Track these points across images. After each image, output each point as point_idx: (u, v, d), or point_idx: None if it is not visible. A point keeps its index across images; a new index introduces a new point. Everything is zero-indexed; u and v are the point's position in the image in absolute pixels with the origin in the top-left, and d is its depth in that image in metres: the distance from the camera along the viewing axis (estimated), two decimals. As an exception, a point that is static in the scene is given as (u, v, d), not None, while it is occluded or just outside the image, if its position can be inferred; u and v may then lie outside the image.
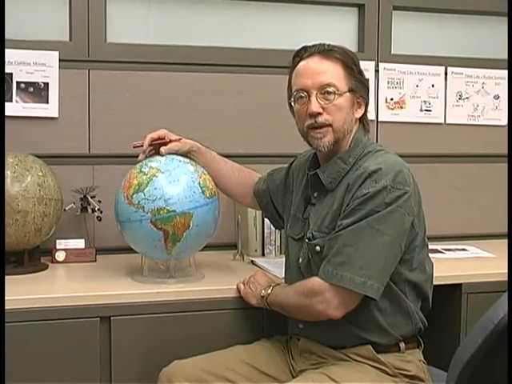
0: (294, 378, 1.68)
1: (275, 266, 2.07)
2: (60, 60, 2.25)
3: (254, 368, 1.69)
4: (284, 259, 1.85)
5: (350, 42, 2.55)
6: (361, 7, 2.59)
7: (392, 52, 2.62)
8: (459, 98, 2.68)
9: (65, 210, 2.16)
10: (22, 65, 2.22)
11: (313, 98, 1.64)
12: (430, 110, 2.65)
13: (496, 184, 2.68)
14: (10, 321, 1.61)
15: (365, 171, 1.58)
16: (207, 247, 1.96)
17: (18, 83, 2.23)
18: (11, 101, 2.22)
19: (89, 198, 2.23)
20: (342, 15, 2.60)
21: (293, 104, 1.70)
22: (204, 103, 2.40)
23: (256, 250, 2.34)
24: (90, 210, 2.24)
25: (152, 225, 1.77)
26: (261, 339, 1.81)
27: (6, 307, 1.59)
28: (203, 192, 1.83)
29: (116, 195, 1.86)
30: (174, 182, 1.80)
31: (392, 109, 2.61)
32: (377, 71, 2.58)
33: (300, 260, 1.71)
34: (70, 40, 2.30)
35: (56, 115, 2.26)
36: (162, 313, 1.78)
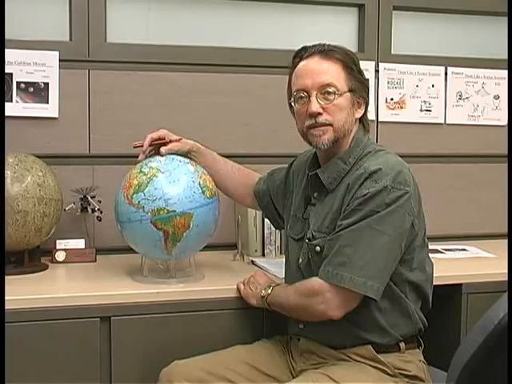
0: (294, 378, 1.68)
1: (275, 266, 2.06)
2: (60, 60, 2.25)
3: (254, 368, 1.69)
4: (284, 259, 1.85)
5: (350, 42, 2.55)
6: (361, 7, 2.59)
7: (392, 52, 2.62)
8: (459, 98, 2.68)
9: (65, 210, 2.16)
10: (22, 65, 2.22)
11: (313, 99, 1.64)
12: (430, 110, 2.65)
13: (496, 184, 2.68)
14: (10, 321, 1.61)
15: (365, 171, 1.58)
16: (207, 247, 1.95)
17: (18, 83, 2.23)
18: (11, 101, 2.22)
19: (89, 198, 2.23)
20: (342, 15, 2.60)
21: (293, 104, 1.70)
22: (204, 103, 2.40)
23: (256, 250, 2.34)
24: (90, 210, 2.24)
25: (152, 225, 1.77)
26: (261, 339, 1.81)
27: (6, 307, 1.59)
28: (203, 192, 1.83)
29: (116, 195, 1.86)
30: (174, 182, 1.80)
31: (392, 109, 2.61)
32: (377, 71, 2.58)
33: (300, 260, 1.71)
34: (70, 40, 2.30)
35: (56, 115, 2.26)
36: (162, 313, 1.78)
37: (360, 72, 1.69)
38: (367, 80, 1.72)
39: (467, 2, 2.70)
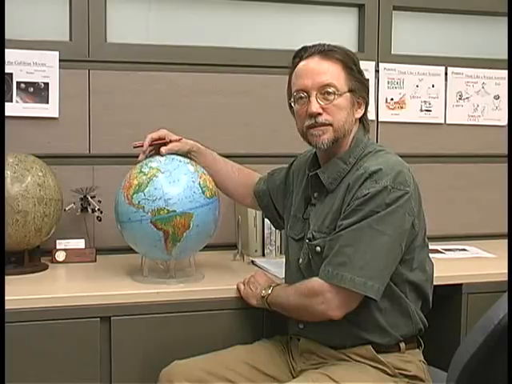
0: (294, 378, 1.69)
1: (275, 266, 2.06)
2: (60, 60, 2.25)
3: (254, 368, 1.69)
4: (284, 259, 1.85)
5: (350, 42, 2.55)
6: (361, 7, 2.59)
7: (392, 52, 2.62)
8: (459, 98, 2.68)
9: (65, 210, 2.16)
10: (22, 65, 2.22)
11: (313, 99, 1.64)
12: (430, 110, 2.65)
13: (496, 184, 2.68)
14: (10, 321, 1.61)
15: (365, 171, 1.58)
16: (207, 247, 1.95)
17: (18, 83, 2.22)
18: (11, 101, 2.22)
19: (89, 198, 2.23)
20: (342, 15, 2.60)
21: (293, 104, 1.70)
22: (204, 103, 2.40)
23: (256, 251, 2.33)
24: (90, 210, 2.24)
25: (152, 225, 1.77)
26: (261, 339, 1.81)
27: (6, 307, 1.59)
28: (203, 192, 1.83)
29: (116, 195, 1.86)
30: (174, 182, 1.80)
31: (392, 109, 2.61)
32: (377, 71, 2.58)
33: (300, 260, 1.71)
34: (71, 40, 2.30)
35: (56, 115, 2.26)
36: (162, 313, 1.78)
37: (360, 72, 1.69)
38: (367, 80, 1.72)
39: (467, 2, 2.69)
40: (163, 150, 1.89)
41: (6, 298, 1.61)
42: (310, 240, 1.68)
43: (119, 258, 2.17)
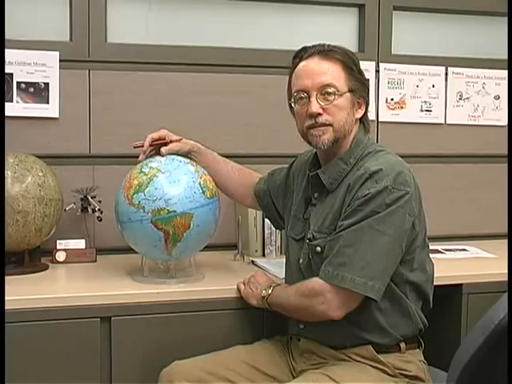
0: (294, 378, 1.69)
1: (275, 266, 2.06)
2: (60, 60, 2.25)
3: (254, 368, 1.69)
4: (284, 259, 1.85)
5: (350, 43, 2.55)
6: (361, 7, 2.59)
7: (392, 52, 2.62)
8: (459, 99, 2.68)
9: (65, 210, 2.16)
10: (22, 65, 2.22)
11: (313, 99, 1.64)
12: (430, 111, 2.65)
13: (496, 184, 2.68)
14: (10, 321, 1.61)
15: (365, 172, 1.58)
16: (208, 247, 1.95)
17: (19, 83, 2.23)
18: (12, 101, 2.22)
19: (89, 198, 2.23)
20: (343, 15, 2.60)
21: (293, 105, 1.70)
22: (204, 103, 2.40)
23: (256, 251, 2.34)
24: (90, 211, 2.24)
25: (152, 225, 1.77)
26: (261, 339, 1.81)
27: (7, 307, 1.59)
28: (203, 192, 1.83)
29: (116, 195, 1.86)
30: (174, 182, 1.80)
31: (392, 109, 2.61)
32: (377, 71, 2.58)
33: (301, 260, 1.71)
34: (71, 40, 2.30)
35: (56, 115, 2.26)
36: (162, 313, 1.78)
37: (360, 72, 1.69)
38: (367, 80, 1.72)
39: (467, 2, 2.70)
40: (163, 150, 1.89)
41: (7, 298, 1.61)
42: (310, 240, 1.68)
43: (119, 258, 2.17)
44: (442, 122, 2.67)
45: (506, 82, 2.70)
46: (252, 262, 2.22)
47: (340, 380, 1.57)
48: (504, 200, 2.56)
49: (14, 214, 1.93)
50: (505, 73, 2.69)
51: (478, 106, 2.69)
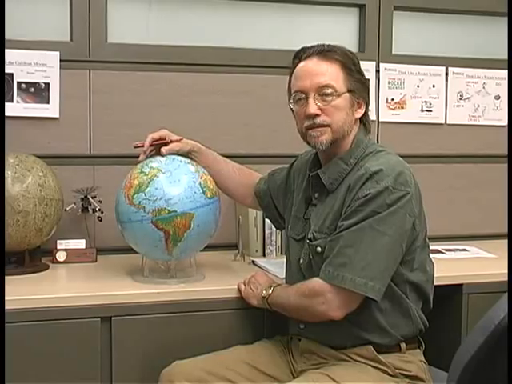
0: (294, 378, 1.69)
1: (276, 266, 2.07)
2: (61, 60, 2.25)
3: (254, 368, 1.69)
4: (285, 259, 1.85)
5: (350, 43, 2.55)
6: (361, 7, 2.59)
7: (393, 52, 2.61)
8: (460, 99, 2.68)
9: (65, 210, 2.16)
10: (22, 65, 2.22)
11: (311, 100, 1.64)
12: (430, 111, 2.65)
13: (496, 184, 2.68)
14: (10, 321, 1.61)
15: (366, 172, 1.58)
16: (208, 247, 1.95)
17: (19, 83, 2.23)
18: (12, 101, 2.22)
19: (89, 198, 2.23)
20: (343, 15, 2.60)
21: (292, 106, 1.70)
22: (204, 103, 2.40)
23: (257, 251, 2.34)
24: (90, 211, 2.24)
25: (153, 225, 1.77)
26: (262, 339, 1.81)
27: (7, 307, 1.59)
28: (204, 192, 1.83)
29: (117, 195, 1.86)
30: (174, 182, 1.80)
31: (393, 109, 2.61)
32: (377, 71, 2.58)
33: (301, 260, 1.71)
34: (71, 40, 2.30)
35: (57, 115, 2.26)
36: (162, 313, 1.78)
37: (360, 72, 1.69)
38: (367, 80, 1.72)
39: (467, 2, 2.70)
40: (164, 150, 1.89)
41: (7, 298, 1.61)
42: (310, 240, 1.68)
43: (120, 258, 2.17)
44: (443, 122, 2.67)
45: (506, 82, 2.69)
46: (252, 262, 2.22)
47: (340, 380, 1.57)
48: (504, 200, 2.56)
49: (14, 214, 1.93)
50: (505, 73, 2.68)
51: (478, 106, 2.69)
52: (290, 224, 1.81)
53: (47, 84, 2.24)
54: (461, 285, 2.00)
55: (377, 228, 1.53)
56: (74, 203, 2.22)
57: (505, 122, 2.71)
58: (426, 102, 2.64)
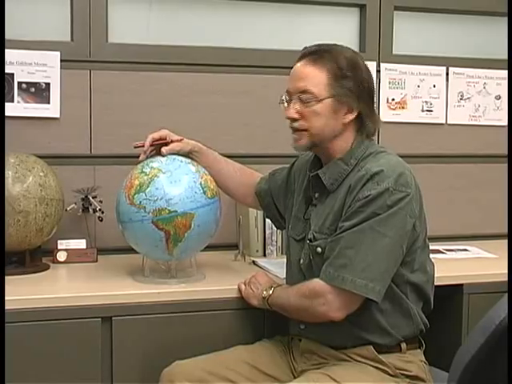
0: (295, 378, 1.69)
1: (276, 266, 2.06)
2: (61, 60, 2.25)
3: (255, 368, 1.69)
4: (285, 260, 1.85)
5: (351, 43, 2.50)
6: (362, 7, 2.59)
7: (393, 52, 2.61)
8: (460, 99, 2.67)
9: (66, 210, 2.16)
10: (23, 65, 2.22)
11: (291, 104, 1.65)
12: (431, 111, 2.65)
13: (497, 184, 2.68)
14: (11, 321, 1.61)
15: (366, 173, 1.58)
16: (208, 247, 1.95)
17: (20, 83, 2.22)
18: (13, 101, 2.22)
19: (90, 198, 2.23)
20: (344, 15, 2.60)
21: (281, 105, 1.71)
22: (204, 103, 2.40)
23: (257, 251, 2.34)
24: (91, 211, 2.24)
25: (153, 225, 1.77)
26: (262, 340, 1.81)
27: (7, 307, 1.59)
28: (204, 192, 1.83)
29: (117, 195, 1.86)
30: (175, 182, 1.80)
31: (393, 109, 2.61)
32: (378, 71, 2.57)
33: (301, 261, 1.71)
34: (72, 40, 2.30)
35: (57, 115, 2.26)
36: (163, 313, 1.78)
37: (352, 77, 1.62)
38: (367, 85, 1.66)
39: (467, 2, 2.69)
40: (164, 150, 1.89)
41: (7, 298, 1.61)
42: (310, 241, 1.68)
43: (120, 258, 2.17)
44: (443, 122, 2.67)
45: (506, 82, 2.69)
46: (253, 262, 2.22)
47: (341, 380, 1.57)
48: (504, 200, 2.56)
49: (15, 214, 1.93)
50: (505, 73, 2.68)
51: (478, 106, 2.69)
52: (291, 224, 1.81)
53: (48, 84, 2.24)
54: (461, 285, 2.00)
55: (377, 229, 1.53)
56: (75, 203, 2.22)
57: (505, 122, 2.71)
58: (426, 102, 2.64)
